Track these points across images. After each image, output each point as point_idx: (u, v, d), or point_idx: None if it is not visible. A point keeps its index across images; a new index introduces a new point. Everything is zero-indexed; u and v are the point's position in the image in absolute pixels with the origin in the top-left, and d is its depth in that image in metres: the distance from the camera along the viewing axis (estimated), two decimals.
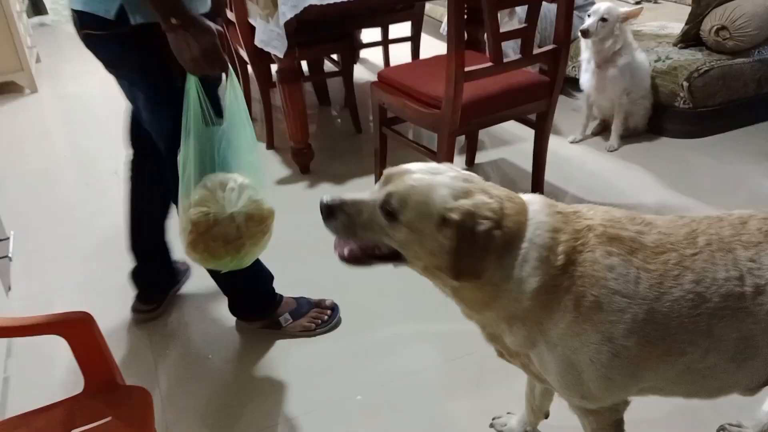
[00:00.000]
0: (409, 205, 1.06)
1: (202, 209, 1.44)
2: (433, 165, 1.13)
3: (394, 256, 1.14)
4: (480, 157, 2.99)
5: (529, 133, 3.07)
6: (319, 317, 1.98)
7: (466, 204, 1.04)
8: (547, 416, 1.56)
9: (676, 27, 3.52)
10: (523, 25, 2.18)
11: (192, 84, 1.41)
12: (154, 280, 2.07)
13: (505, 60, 2.15)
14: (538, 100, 2.34)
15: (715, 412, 1.59)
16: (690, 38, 3.23)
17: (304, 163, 2.97)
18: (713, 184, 2.77)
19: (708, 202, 2.60)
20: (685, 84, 3.03)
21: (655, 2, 4.15)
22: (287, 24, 2.50)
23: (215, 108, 1.48)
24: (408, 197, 1.06)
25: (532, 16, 2.16)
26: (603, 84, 2.99)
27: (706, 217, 1.16)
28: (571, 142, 3.16)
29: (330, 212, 1.13)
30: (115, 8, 1.37)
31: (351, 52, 3.42)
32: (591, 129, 3.27)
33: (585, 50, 2.97)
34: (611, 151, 3.08)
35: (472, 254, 1.04)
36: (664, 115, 3.16)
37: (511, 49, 3.35)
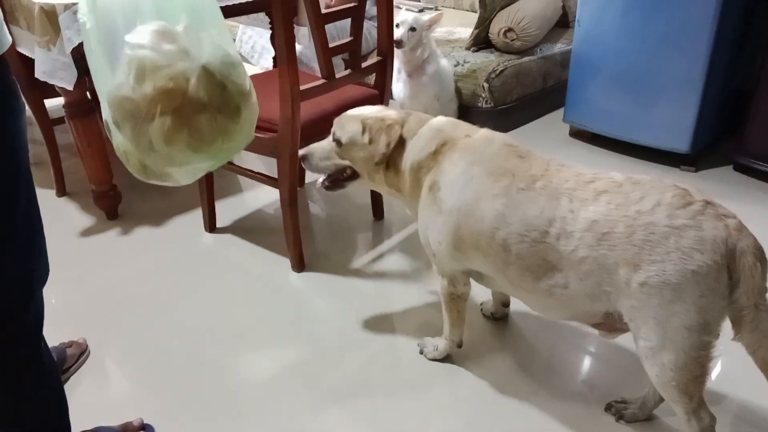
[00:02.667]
0: (345, 128, 1.67)
1: (165, 72, 1.04)
2: (373, 107, 1.73)
3: (353, 176, 1.73)
4: (310, 177, 2.86)
5: None
6: None
7: (375, 113, 1.67)
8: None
9: (463, 31, 3.74)
10: (349, 39, 2.11)
11: None
12: None
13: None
14: None
15: (604, 395, 1.68)
16: (480, 41, 3.44)
17: (111, 208, 2.59)
18: None
19: None
20: (485, 85, 3.21)
21: (436, 8, 4.36)
22: (74, 51, 2.14)
23: None
24: (344, 124, 1.68)
25: (357, 29, 2.09)
26: (416, 92, 3.06)
27: (567, 169, 1.44)
28: None
29: (304, 158, 1.75)
30: None
31: None
32: None
33: (395, 60, 3.00)
34: None
35: (384, 143, 1.61)
36: (470, 116, 3.32)
37: (315, 63, 3.29)
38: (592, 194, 1.34)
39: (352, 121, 1.66)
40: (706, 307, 1.23)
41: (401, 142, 1.62)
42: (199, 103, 1.08)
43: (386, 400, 1.70)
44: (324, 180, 1.77)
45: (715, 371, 1.74)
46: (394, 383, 1.75)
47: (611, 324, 1.43)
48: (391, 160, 1.64)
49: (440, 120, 1.65)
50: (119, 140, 1.14)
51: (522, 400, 1.67)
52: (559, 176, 1.41)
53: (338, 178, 1.75)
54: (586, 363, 1.84)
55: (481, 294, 1.95)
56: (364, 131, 1.64)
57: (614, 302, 1.34)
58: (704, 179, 2.88)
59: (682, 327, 1.25)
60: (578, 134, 3.29)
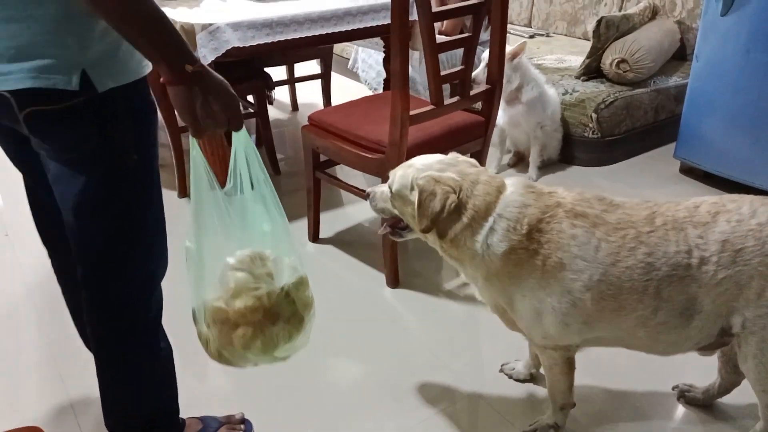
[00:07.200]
0: (397, 176, 1.54)
1: (254, 293, 1.27)
2: (433, 156, 1.54)
3: (408, 227, 1.61)
4: None
5: None
6: None
7: (431, 174, 1.44)
8: None
9: (573, 60, 3.71)
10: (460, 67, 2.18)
11: (198, 150, 1.23)
12: None
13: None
14: (474, 140, 2.34)
15: (671, 374, 1.84)
16: (591, 71, 3.41)
17: None
18: None
19: None
20: (594, 115, 3.18)
21: (548, 35, 4.35)
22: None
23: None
24: (397, 171, 1.55)
25: (469, 58, 2.16)
26: (516, 119, 3.07)
27: (667, 202, 1.45)
28: None
29: (368, 196, 1.66)
30: (78, 75, 1.07)
31: (265, 91, 3.29)
32: (505, 161, 3.35)
33: None
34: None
35: (432, 211, 1.42)
36: (575, 145, 3.30)
37: (420, 86, 3.38)
38: (709, 217, 1.37)
39: (404, 171, 1.52)
40: None
41: (458, 213, 1.43)
42: (275, 316, 1.29)
43: (469, 423, 1.74)
44: (385, 224, 1.70)
45: None
46: (478, 407, 1.79)
47: (719, 342, 1.44)
48: (448, 230, 1.45)
49: (514, 191, 1.44)
50: (204, 331, 1.34)
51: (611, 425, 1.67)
52: (667, 209, 1.41)
53: (395, 225, 1.67)
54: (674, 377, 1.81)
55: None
56: (412, 188, 1.48)
57: (732, 316, 1.37)
58: None
59: None
60: (689, 171, 3.18)
